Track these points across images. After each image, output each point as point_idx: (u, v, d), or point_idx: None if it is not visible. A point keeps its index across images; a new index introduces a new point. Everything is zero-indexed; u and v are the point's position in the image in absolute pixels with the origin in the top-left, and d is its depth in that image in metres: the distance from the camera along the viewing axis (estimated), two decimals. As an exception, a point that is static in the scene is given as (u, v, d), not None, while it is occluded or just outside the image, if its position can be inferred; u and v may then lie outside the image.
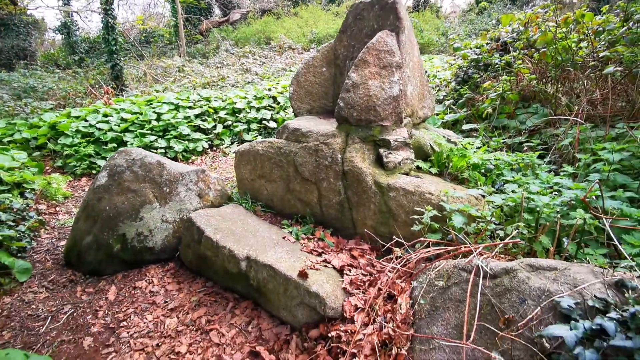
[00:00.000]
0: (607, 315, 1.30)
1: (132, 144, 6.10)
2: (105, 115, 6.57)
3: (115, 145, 6.05)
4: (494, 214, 2.39)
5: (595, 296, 1.38)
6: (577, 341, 1.27)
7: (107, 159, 3.71)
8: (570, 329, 1.30)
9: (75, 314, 2.92)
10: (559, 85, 3.90)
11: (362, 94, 2.99)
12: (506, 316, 1.56)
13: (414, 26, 13.41)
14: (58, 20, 14.60)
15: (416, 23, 13.79)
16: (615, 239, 1.86)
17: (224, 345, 2.53)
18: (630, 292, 1.36)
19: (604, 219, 1.97)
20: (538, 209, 2.14)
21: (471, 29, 13.30)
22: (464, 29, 13.55)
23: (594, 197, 2.25)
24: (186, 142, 6.45)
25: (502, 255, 2.12)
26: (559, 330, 1.31)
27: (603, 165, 2.65)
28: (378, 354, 1.93)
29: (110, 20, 9.17)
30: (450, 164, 3.27)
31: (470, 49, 5.58)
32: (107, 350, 2.56)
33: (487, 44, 5.37)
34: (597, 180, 2.03)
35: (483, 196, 2.68)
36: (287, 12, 18.02)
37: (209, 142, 6.77)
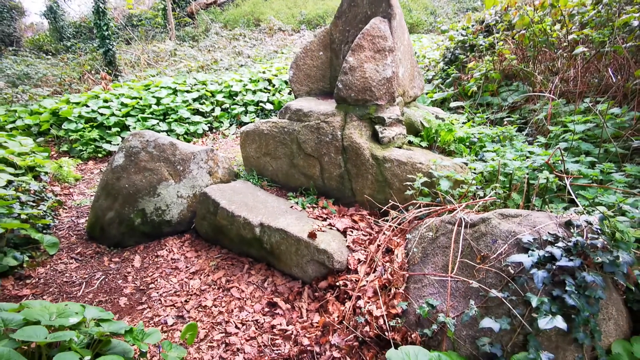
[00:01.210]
0: (556, 245, 1.70)
1: (134, 127, 6.31)
2: (106, 101, 6.74)
3: (119, 129, 6.26)
4: (476, 178, 2.78)
5: (548, 232, 1.77)
6: (532, 264, 1.66)
7: (122, 140, 3.98)
8: (528, 257, 1.70)
9: (107, 279, 3.27)
10: (537, 64, 4.26)
11: (358, 76, 3.31)
12: (482, 254, 1.96)
13: (403, 6, 13.53)
14: (43, 4, 14.29)
15: (405, 3, 13.89)
16: (573, 195, 2.26)
17: (245, 299, 2.92)
18: (575, 228, 1.76)
19: (565, 178, 2.37)
20: (511, 172, 2.53)
21: (459, 7, 13.48)
22: (452, 7, 13.73)
23: (559, 162, 2.65)
24: (187, 124, 6.69)
25: (482, 212, 2.51)
26: (520, 257, 1.71)
27: (570, 135, 3.05)
28: (379, 295, 2.33)
29: (101, 5, 9.14)
30: (439, 138, 3.63)
31: (457, 31, 5.88)
32: (141, 307, 2.93)
33: (472, 26, 5.67)
34: (559, 147, 2.41)
35: (466, 164, 3.06)
36: (276, -8, 17.79)
37: (209, 125, 7.01)
